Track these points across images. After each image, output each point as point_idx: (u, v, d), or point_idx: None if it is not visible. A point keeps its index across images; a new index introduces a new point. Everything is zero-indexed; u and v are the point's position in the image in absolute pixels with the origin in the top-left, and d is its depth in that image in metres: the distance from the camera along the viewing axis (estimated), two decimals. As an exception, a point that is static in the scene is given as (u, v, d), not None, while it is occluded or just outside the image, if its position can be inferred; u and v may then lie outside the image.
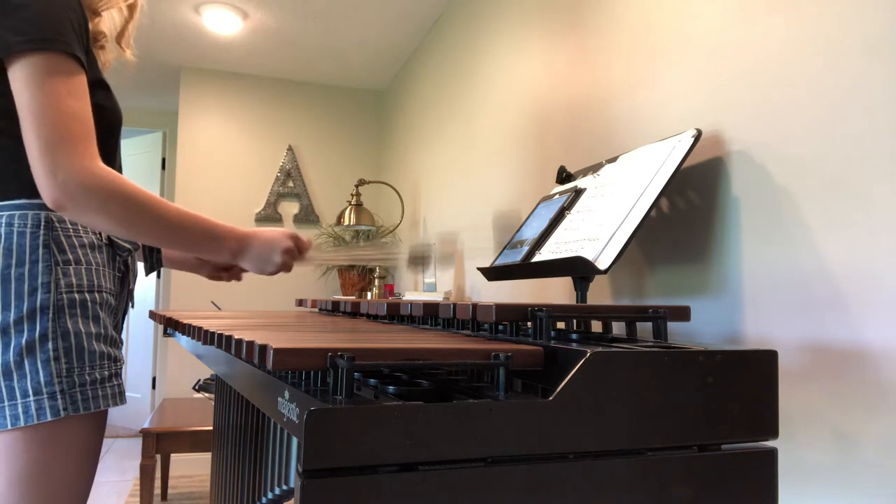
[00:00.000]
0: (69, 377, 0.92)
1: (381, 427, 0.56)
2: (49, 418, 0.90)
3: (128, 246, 1.07)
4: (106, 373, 0.97)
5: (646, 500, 0.66)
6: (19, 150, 0.93)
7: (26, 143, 0.87)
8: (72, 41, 0.90)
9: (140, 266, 1.28)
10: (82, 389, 0.93)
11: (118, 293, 1.09)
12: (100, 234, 1.02)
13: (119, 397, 1.00)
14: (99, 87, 1.01)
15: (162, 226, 0.96)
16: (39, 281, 0.93)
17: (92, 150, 0.90)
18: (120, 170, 1.11)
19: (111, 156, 1.06)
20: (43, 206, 0.95)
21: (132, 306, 1.16)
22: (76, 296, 0.95)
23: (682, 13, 1.33)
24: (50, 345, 0.92)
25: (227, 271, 1.51)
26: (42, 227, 0.94)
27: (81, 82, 0.91)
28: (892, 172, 0.89)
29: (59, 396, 0.91)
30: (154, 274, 4.44)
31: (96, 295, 0.98)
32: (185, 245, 1.01)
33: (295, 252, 1.16)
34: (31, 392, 0.89)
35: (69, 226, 0.97)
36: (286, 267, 1.15)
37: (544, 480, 0.62)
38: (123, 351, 4.58)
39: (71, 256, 0.96)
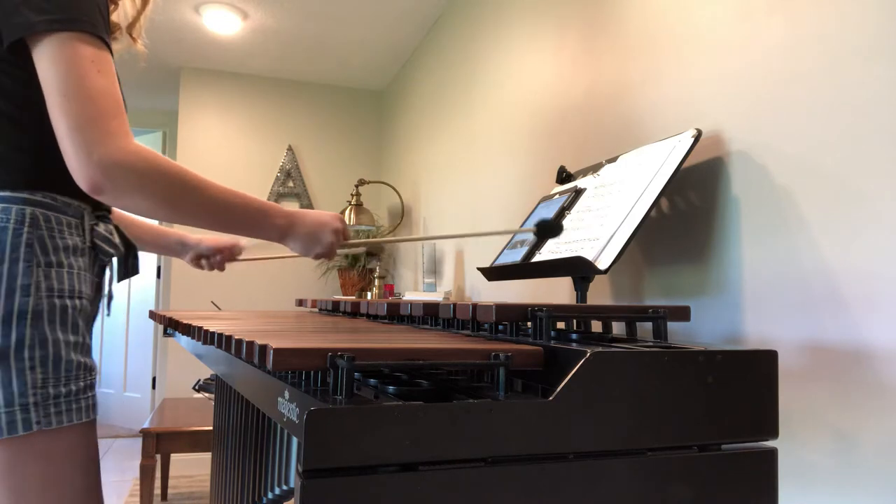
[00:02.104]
0: (44, 389, 0.86)
1: (381, 427, 0.56)
2: (21, 432, 0.84)
3: (111, 251, 1.01)
4: (81, 384, 0.91)
5: (646, 500, 0.66)
6: (15, 136, 0.88)
7: (55, 123, 0.82)
8: (97, 22, 0.87)
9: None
10: (56, 402, 0.87)
11: (94, 299, 1.02)
12: (84, 236, 0.96)
13: (92, 410, 0.93)
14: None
15: (207, 204, 0.92)
16: (19, 282, 0.86)
17: (126, 127, 0.85)
18: None
19: None
20: (28, 201, 0.88)
21: (108, 314, 1.11)
22: (56, 301, 0.89)
23: (682, 14, 1.33)
24: (26, 353, 0.85)
25: (208, 259, 1.42)
26: (27, 224, 0.87)
27: (109, 60, 0.87)
28: (891, 172, 0.89)
29: (31, 409, 0.85)
30: (154, 274, 4.44)
31: (77, 301, 0.92)
32: (231, 224, 0.96)
33: (342, 235, 1.12)
34: (2, 403, 0.83)
35: (55, 225, 0.91)
36: (333, 249, 1.10)
37: (544, 480, 0.62)
38: (123, 351, 4.59)
39: (54, 259, 0.89)
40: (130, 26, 1.09)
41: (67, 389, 0.89)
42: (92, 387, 0.94)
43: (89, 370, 0.93)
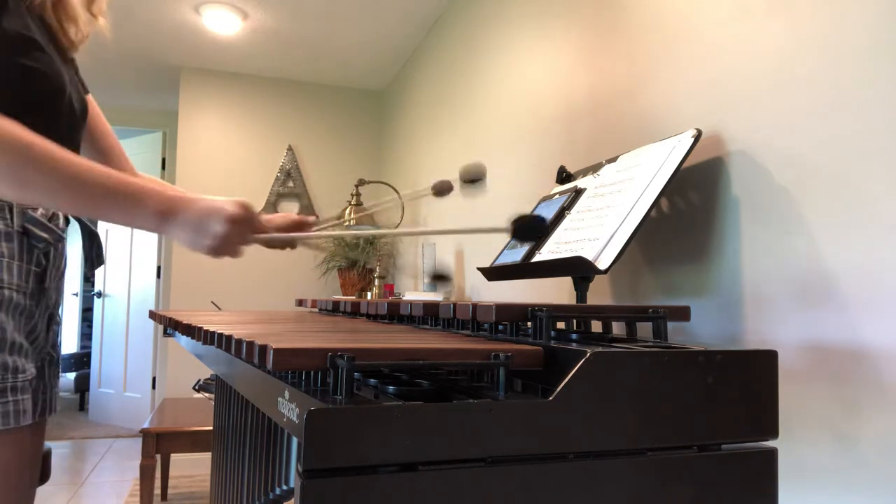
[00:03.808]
0: None
1: (381, 427, 0.56)
2: None
3: (44, 236, 0.88)
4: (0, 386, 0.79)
5: (646, 500, 0.66)
6: None
7: None
8: None
9: (77, 261, 1.09)
10: None
11: (34, 292, 0.89)
12: (11, 220, 0.84)
13: (14, 416, 0.79)
14: (32, 48, 0.84)
15: (63, 182, 0.75)
16: None
17: None
18: None
19: (52, 138, 0.89)
20: None
21: (59, 307, 0.98)
22: None
23: (682, 14, 1.33)
24: None
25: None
26: None
27: None
28: (891, 172, 0.89)
29: None
30: (154, 274, 4.44)
31: None
32: (94, 206, 0.79)
33: (245, 225, 0.86)
34: None
35: None
36: (230, 242, 0.85)
37: (544, 480, 0.62)
38: (123, 351, 4.59)
39: None
40: (90, 3, 0.98)
41: None
42: (18, 390, 0.81)
43: (13, 371, 0.80)
